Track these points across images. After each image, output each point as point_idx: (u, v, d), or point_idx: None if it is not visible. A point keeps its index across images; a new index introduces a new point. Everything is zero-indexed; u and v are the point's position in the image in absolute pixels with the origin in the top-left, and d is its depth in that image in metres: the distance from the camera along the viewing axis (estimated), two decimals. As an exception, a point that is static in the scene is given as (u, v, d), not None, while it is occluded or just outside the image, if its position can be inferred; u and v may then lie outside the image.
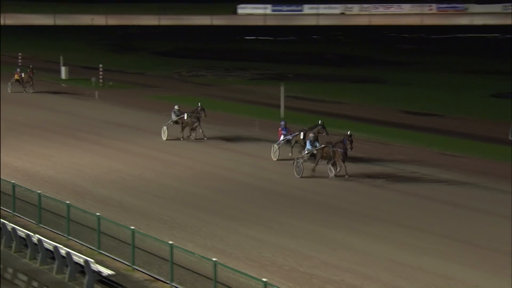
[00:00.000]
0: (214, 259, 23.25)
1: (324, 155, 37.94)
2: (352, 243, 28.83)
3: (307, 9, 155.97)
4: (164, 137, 46.51)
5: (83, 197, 33.91)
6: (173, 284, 24.36)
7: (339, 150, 37.09)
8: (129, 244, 25.91)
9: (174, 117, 46.33)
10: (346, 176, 37.20)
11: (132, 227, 26.00)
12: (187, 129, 46.24)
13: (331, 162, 37.66)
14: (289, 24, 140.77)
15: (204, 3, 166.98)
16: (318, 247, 28.32)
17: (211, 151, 44.10)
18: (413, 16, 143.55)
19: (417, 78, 75.07)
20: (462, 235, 29.74)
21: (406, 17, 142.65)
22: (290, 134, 41.61)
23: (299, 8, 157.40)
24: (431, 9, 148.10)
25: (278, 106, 54.60)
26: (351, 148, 37.22)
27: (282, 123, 42.83)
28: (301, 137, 40.73)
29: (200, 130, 46.03)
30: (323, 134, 40.13)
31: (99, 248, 27.16)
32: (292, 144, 41.52)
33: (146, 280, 25.10)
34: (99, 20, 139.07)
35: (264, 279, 21.68)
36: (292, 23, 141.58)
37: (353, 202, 34.55)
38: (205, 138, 46.14)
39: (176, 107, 46.59)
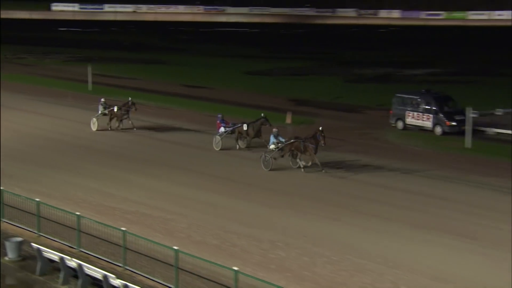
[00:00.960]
0: (37, 199, 22.52)
1: (293, 149, 30.57)
2: (142, 183, 28.76)
3: (107, 7, 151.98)
4: (94, 128, 38.35)
5: None
6: (4, 220, 23.37)
7: (311, 145, 29.93)
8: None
9: (102, 109, 38.60)
10: (323, 171, 30.09)
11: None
12: (114, 120, 38.33)
13: (299, 156, 30.68)
14: (93, 19, 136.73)
15: (23, 0, 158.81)
16: (118, 187, 28.04)
17: (33, 117, 42.38)
18: (187, 14, 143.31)
19: (191, 61, 75.16)
20: (220, 173, 30.36)
21: (181, 15, 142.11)
22: (230, 126, 34.45)
23: (100, 6, 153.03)
24: (199, 9, 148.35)
25: (86, 82, 53.20)
26: (324, 143, 30.01)
27: (219, 115, 35.07)
28: (244, 128, 33.70)
29: (130, 122, 38.09)
30: (267, 125, 33.30)
31: None
32: (236, 136, 34.27)
33: (-19, 218, 23.92)
34: None
35: (77, 213, 21.33)
36: (96, 18, 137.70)
37: (142, 152, 34.27)
38: (135, 129, 38.24)
39: (102, 99, 39.20)
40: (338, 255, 21.09)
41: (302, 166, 30.45)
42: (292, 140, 30.55)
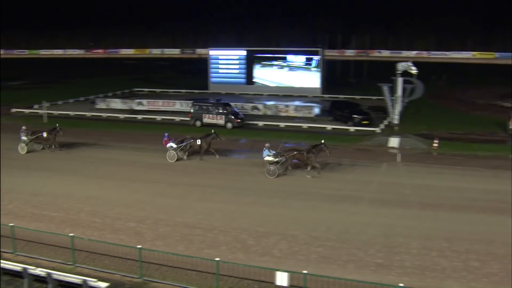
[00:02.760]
0: None
1: (295, 159, 22.78)
2: None
3: None
4: (23, 151, 26.94)
5: None
6: None
7: (313, 155, 22.48)
8: None
9: (26, 136, 27.09)
10: (317, 174, 22.56)
11: None
12: (42, 143, 27.51)
13: (299, 164, 23.08)
14: None
15: None
16: None
17: None
18: None
19: None
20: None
21: None
22: (182, 141, 25.55)
23: None
24: None
25: None
26: (329, 153, 22.69)
27: (166, 134, 25.71)
28: (198, 143, 25.36)
29: (56, 144, 27.43)
30: (218, 139, 25.31)
31: None
32: (188, 149, 25.60)
33: None
34: None
35: None
36: None
37: None
38: (52, 148, 27.39)
39: (23, 127, 27.62)
40: (44, 198, 20.31)
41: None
42: (295, 152, 22.81)
